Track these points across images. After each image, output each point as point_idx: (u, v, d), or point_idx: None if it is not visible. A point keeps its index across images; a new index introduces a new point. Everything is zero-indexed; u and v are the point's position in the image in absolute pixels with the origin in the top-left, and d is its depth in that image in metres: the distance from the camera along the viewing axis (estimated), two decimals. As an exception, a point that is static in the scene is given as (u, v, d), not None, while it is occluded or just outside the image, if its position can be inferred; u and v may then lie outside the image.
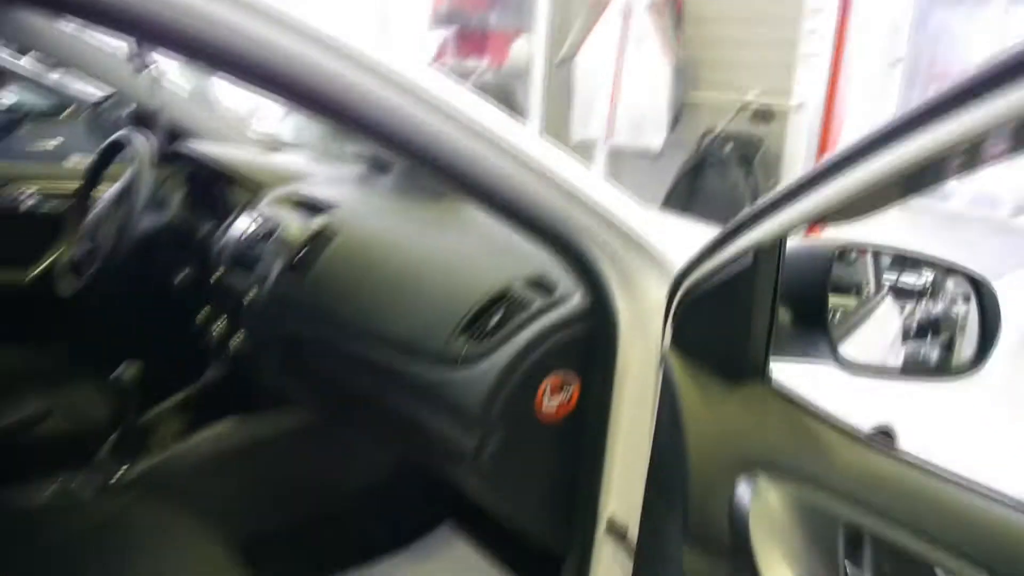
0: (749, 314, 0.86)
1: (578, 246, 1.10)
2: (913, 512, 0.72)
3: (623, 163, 4.51)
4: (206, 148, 2.00)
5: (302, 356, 1.52)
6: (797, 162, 3.83)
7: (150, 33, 0.69)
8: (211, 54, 0.72)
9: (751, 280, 0.85)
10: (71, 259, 1.91)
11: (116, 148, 1.92)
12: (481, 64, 5.61)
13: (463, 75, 5.83)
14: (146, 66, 1.83)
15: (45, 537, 1.25)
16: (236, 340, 1.63)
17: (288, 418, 1.68)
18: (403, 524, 1.90)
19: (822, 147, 3.84)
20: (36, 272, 2.15)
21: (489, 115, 0.99)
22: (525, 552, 1.76)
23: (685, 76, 4.15)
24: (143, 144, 1.76)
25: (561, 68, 4.73)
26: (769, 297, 0.85)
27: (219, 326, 1.70)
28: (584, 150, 4.58)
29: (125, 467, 1.59)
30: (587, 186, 1.07)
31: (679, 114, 4.22)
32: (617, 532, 1.23)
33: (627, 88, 4.27)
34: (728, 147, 3.94)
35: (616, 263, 1.11)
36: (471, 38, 5.78)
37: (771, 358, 0.90)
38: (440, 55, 5.95)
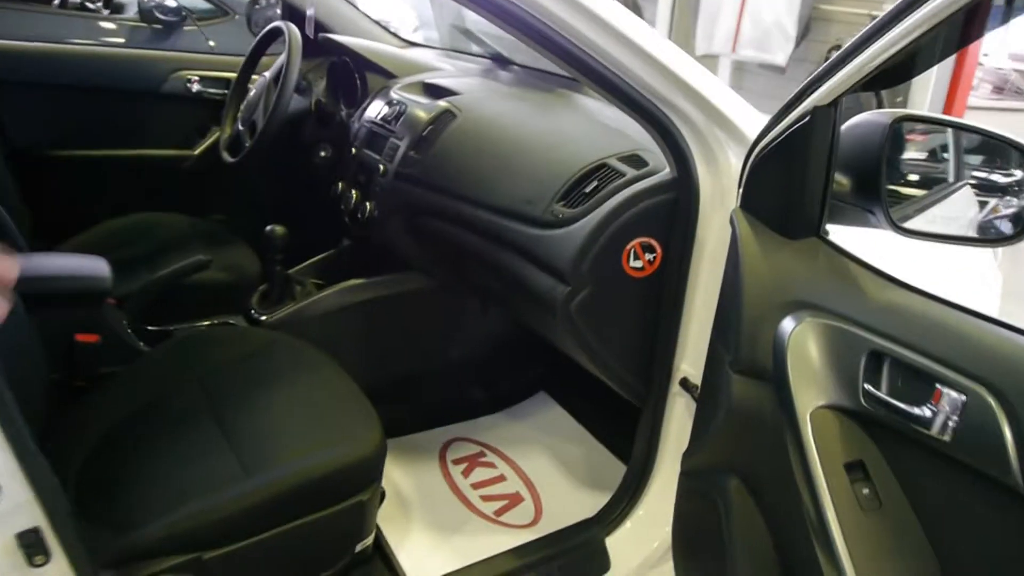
0: (806, 174, 0.98)
1: (666, 121, 1.23)
2: (927, 337, 0.84)
3: (747, 77, 4.46)
4: (348, 40, 2.21)
5: (423, 224, 1.73)
6: (928, 81, 3.70)
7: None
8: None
9: (808, 142, 0.96)
10: (230, 136, 2.17)
11: (271, 37, 2.14)
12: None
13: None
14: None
15: (207, 360, 1.51)
16: (367, 209, 1.85)
17: (408, 280, 1.90)
18: (503, 387, 2.12)
19: (958, 65, 3.68)
20: (201, 148, 2.44)
21: (600, 2, 1.13)
22: (609, 418, 1.95)
23: (816, -13, 4.04)
24: (294, 34, 1.97)
25: (689, -20, 4.67)
26: (824, 158, 0.96)
27: (353, 196, 1.92)
28: (708, 64, 4.55)
29: (271, 312, 1.87)
30: (679, 66, 1.19)
31: (807, 27, 4.11)
32: (689, 386, 1.39)
33: (754, 1, 4.19)
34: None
35: (700, 138, 1.24)
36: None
37: (828, 220, 1.01)
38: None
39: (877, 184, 0.99)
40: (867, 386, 0.88)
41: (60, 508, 0.91)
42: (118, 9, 3.78)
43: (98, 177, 2.31)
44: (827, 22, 4.10)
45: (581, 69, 1.20)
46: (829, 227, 1.02)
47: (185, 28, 3.47)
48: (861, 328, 0.90)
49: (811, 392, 0.92)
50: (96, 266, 1.54)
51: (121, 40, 2.80)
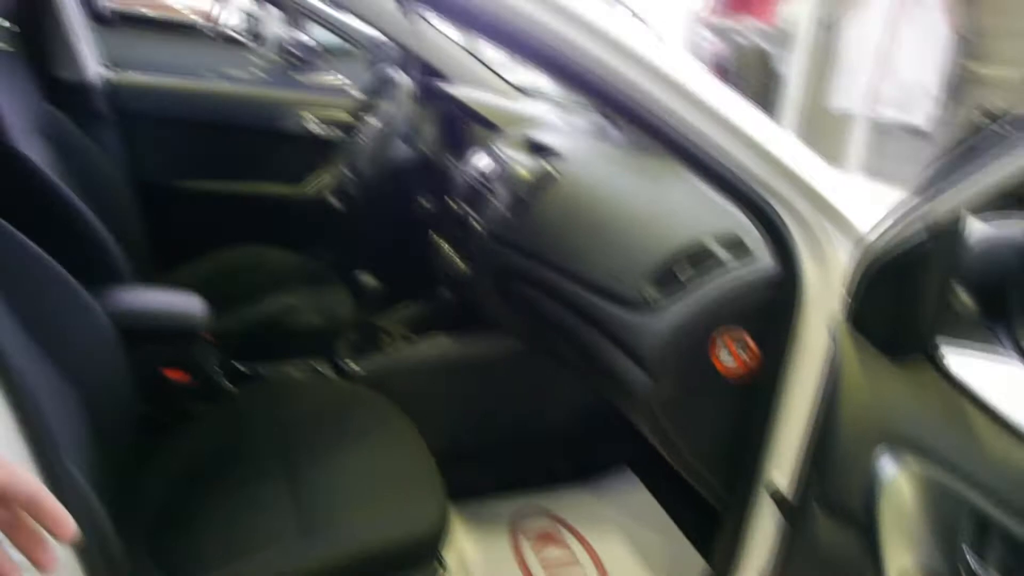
0: (919, 293, 0.86)
1: (769, 210, 1.12)
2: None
3: (887, 138, 4.20)
4: (456, 89, 2.20)
5: (514, 288, 1.67)
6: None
7: None
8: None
9: (926, 260, 0.84)
10: (336, 179, 2.21)
11: (382, 84, 2.17)
12: (746, 23, 5.43)
13: (727, 34, 5.68)
14: (412, 12, 2.04)
15: (288, 410, 1.51)
16: (460, 265, 1.82)
17: (496, 341, 1.85)
18: (586, 458, 2.02)
19: None
20: (312, 186, 2.50)
21: (698, 78, 1.05)
22: (691, 504, 1.82)
23: (967, 46, 3.76)
24: (404, 84, 1.99)
25: (828, 31, 4.47)
26: (941, 275, 0.84)
27: (448, 250, 1.89)
28: (843, 121, 4.33)
29: (358, 360, 1.86)
30: (783, 151, 1.09)
31: (955, 88, 3.84)
32: (776, 495, 1.26)
33: (898, 56, 3.96)
34: (1010, 131, 3.53)
35: (807, 230, 1.12)
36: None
37: (942, 341, 0.89)
38: (707, 10, 5.84)
39: (1005, 303, 0.86)
40: (971, 557, 0.75)
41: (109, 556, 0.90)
42: (260, 40, 3.96)
43: (212, 209, 2.40)
44: (978, 84, 3.82)
45: (668, 144, 1.11)
46: (943, 348, 0.89)
47: (316, 64, 3.60)
48: (970, 484, 0.77)
49: (905, 551, 0.79)
50: (191, 304, 1.58)
51: (256, 71, 2.90)
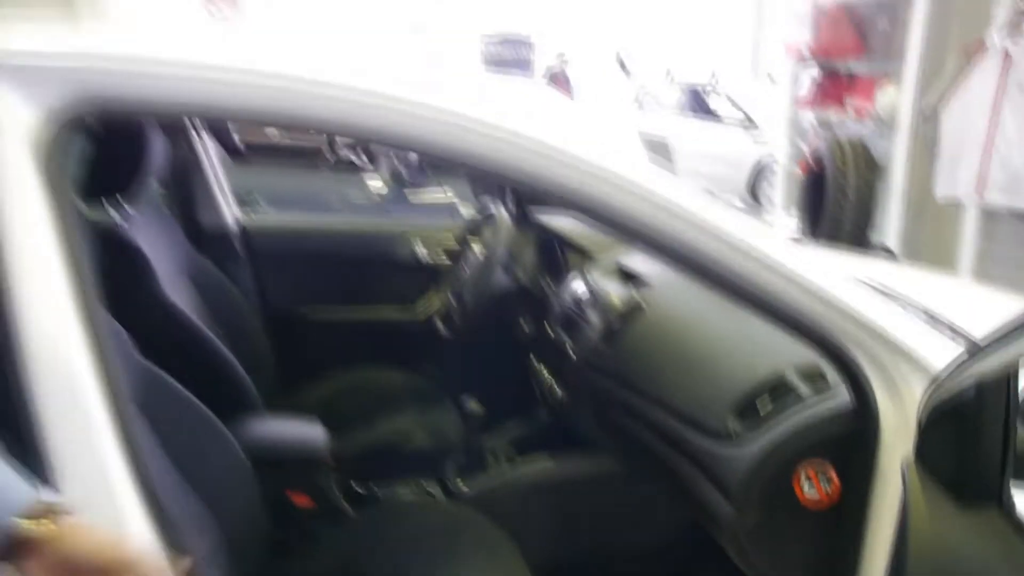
0: (986, 433, 0.90)
1: (840, 349, 1.18)
2: None
3: (997, 225, 4.08)
4: (550, 217, 2.36)
5: (609, 411, 1.76)
6: None
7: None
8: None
9: (982, 403, 0.88)
10: (443, 304, 2.38)
11: (483, 215, 2.35)
12: (845, 111, 5.45)
13: (826, 123, 5.70)
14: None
15: (401, 534, 1.62)
16: (557, 390, 1.92)
17: (598, 462, 1.93)
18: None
19: None
20: (417, 311, 2.69)
21: (756, 231, 1.14)
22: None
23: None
24: (503, 219, 2.15)
25: (929, 118, 4.43)
26: (1002, 423, 0.88)
27: (546, 375, 2.01)
28: (951, 209, 4.24)
29: (466, 481, 1.98)
30: (851, 293, 1.16)
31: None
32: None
33: (1003, 140, 3.88)
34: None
35: (879, 367, 1.17)
36: (836, 83, 5.65)
37: (1016, 486, 0.91)
38: (807, 100, 5.91)
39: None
40: None
41: None
42: (375, 161, 4.22)
43: (331, 334, 2.61)
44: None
45: (748, 302, 1.19)
46: (1015, 494, 0.92)
47: (426, 181, 3.87)
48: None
49: None
50: (314, 432, 1.74)
51: (372, 193, 3.16)
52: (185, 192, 2.50)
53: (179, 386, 1.28)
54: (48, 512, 0.73)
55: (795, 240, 4.98)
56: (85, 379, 0.88)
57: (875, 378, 1.18)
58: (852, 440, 1.22)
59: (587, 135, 1.15)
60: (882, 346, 1.16)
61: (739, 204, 8.23)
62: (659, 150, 8.93)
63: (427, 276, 2.69)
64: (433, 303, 2.64)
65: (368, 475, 2.03)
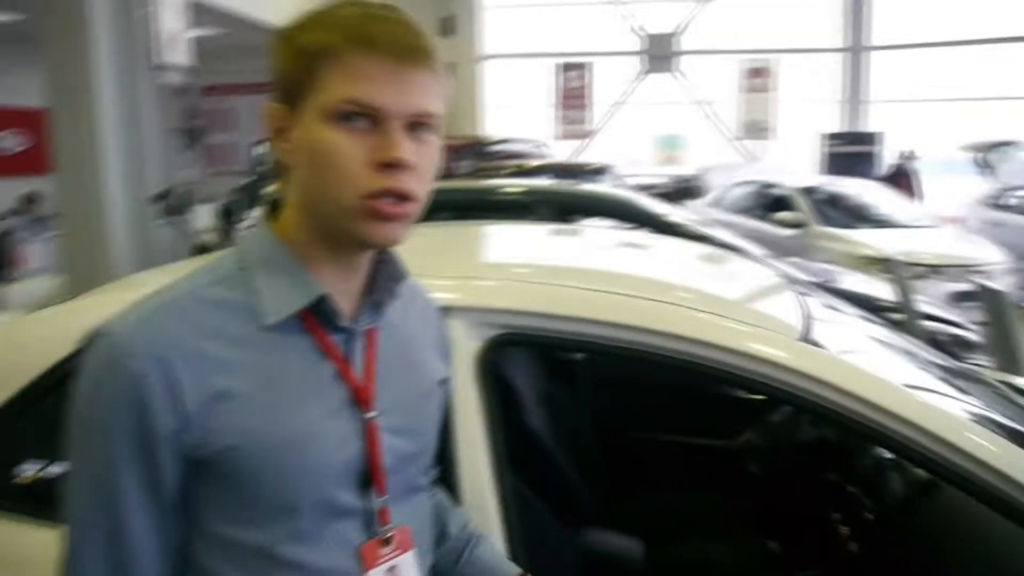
0: None
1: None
2: None
3: None
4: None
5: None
6: None
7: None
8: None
9: None
10: (758, 440, 2.63)
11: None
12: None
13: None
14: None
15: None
16: (852, 545, 2.09)
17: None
18: None
19: None
20: (735, 443, 2.94)
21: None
22: None
23: None
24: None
25: None
26: None
27: (843, 530, 2.18)
28: None
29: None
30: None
31: None
32: None
33: None
34: None
35: None
36: None
37: None
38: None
39: None
40: None
41: None
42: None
43: (656, 455, 2.97)
44: None
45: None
46: None
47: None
48: None
49: None
50: (632, 547, 2.09)
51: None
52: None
53: (534, 497, 1.72)
54: None
55: None
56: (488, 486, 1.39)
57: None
58: None
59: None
60: None
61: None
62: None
63: (750, 412, 2.94)
64: (750, 438, 2.89)
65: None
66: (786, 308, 1.77)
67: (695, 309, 1.55)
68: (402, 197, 0.94)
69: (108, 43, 5.11)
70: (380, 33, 0.92)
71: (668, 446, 2.98)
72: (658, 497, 2.67)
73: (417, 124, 0.95)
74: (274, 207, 1.04)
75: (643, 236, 2.71)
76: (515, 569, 1.27)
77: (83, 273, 5.10)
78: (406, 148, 0.93)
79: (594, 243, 2.76)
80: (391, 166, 0.92)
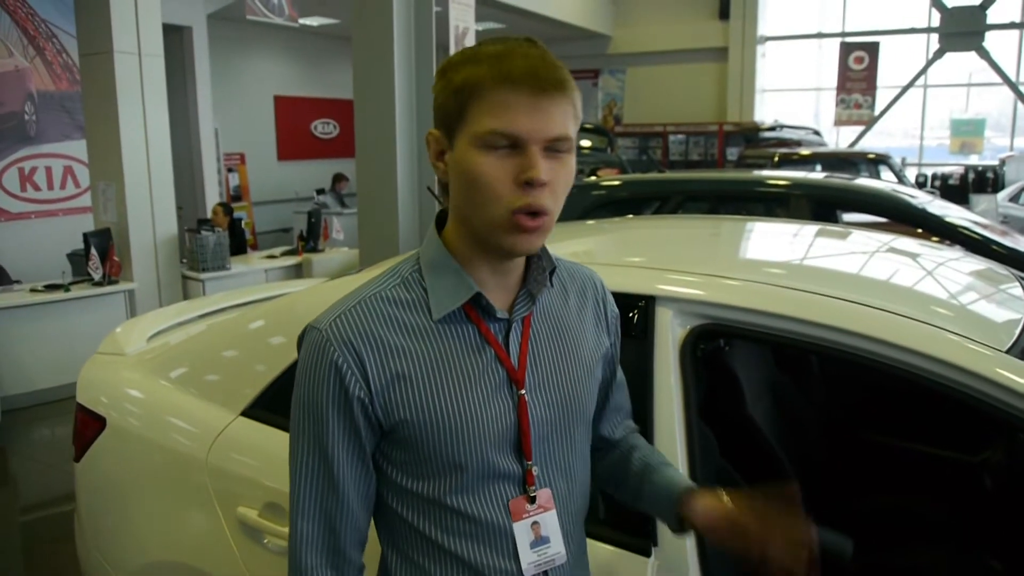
0: None
1: None
2: None
3: None
4: None
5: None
6: None
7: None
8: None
9: None
10: (1000, 457, 2.50)
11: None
12: None
13: None
14: None
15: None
16: None
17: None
18: None
19: None
20: (971, 456, 2.79)
21: None
22: None
23: None
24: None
25: None
26: None
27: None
28: None
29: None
30: None
31: None
32: None
33: None
34: None
35: None
36: None
37: None
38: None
39: None
40: None
41: None
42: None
43: (883, 458, 2.90)
44: None
45: None
46: None
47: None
48: None
49: None
50: (843, 544, 2.14)
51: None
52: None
53: (743, 483, 1.85)
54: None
55: None
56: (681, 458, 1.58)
57: None
58: None
59: None
60: None
61: None
62: None
63: (992, 426, 2.78)
64: (990, 454, 2.73)
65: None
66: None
67: (897, 314, 1.57)
68: (537, 213, 1.08)
69: (405, 40, 5.61)
70: (518, 69, 1.05)
71: (901, 452, 2.90)
72: (880, 500, 2.64)
73: (552, 146, 1.08)
74: (442, 218, 1.22)
75: (901, 241, 2.62)
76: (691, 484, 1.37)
77: (373, 248, 5.82)
78: (543, 168, 1.06)
79: (831, 244, 2.76)
80: (530, 184, 1.06)
